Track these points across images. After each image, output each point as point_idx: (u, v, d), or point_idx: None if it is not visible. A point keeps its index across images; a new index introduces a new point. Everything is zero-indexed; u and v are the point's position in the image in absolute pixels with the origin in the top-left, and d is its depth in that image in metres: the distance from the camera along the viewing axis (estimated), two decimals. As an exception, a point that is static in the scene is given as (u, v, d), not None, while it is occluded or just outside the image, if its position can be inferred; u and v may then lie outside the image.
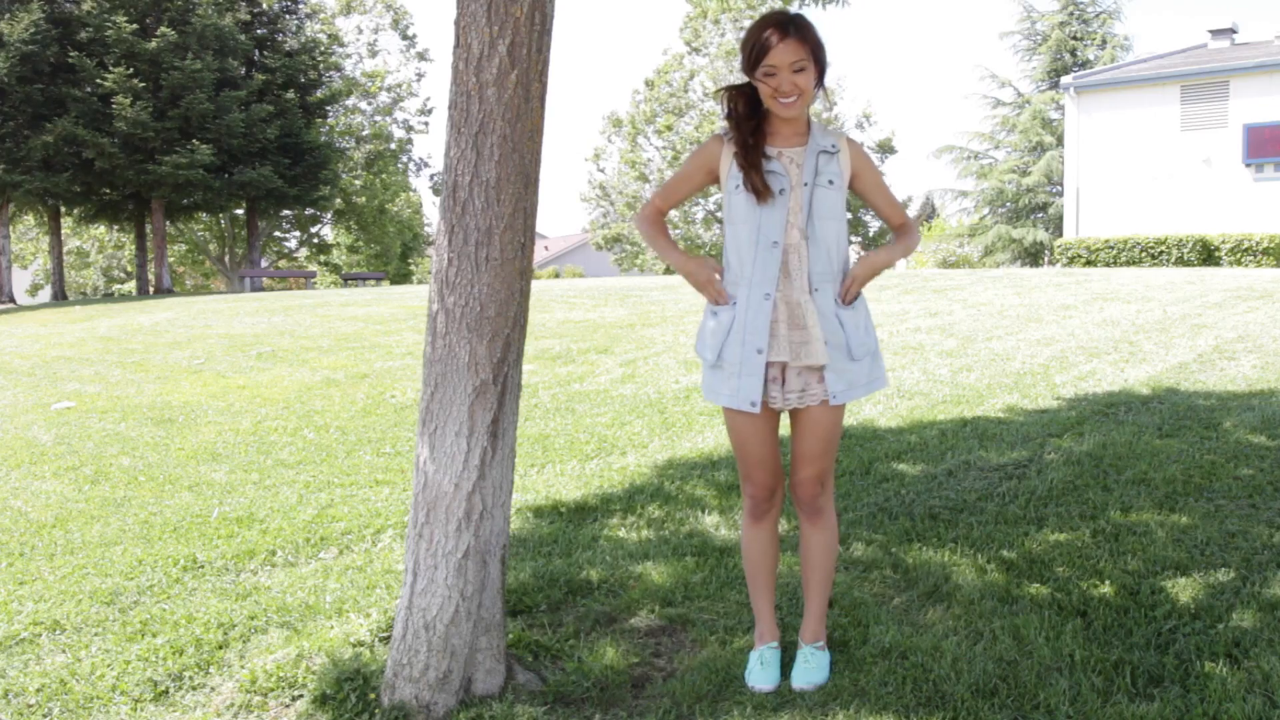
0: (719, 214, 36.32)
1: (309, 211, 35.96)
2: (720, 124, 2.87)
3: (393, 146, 39.41)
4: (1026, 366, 7.75)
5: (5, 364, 10.79)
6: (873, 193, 2.80)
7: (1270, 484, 4.35)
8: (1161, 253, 21.66)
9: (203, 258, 39.28)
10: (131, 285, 38.53)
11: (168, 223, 30.12)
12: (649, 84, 37.45)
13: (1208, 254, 21.32)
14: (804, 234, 2.66)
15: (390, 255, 40.88)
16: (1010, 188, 32.28)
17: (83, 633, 3.31)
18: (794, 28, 2.59)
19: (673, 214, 38.16)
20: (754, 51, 2.60)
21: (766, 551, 2.89)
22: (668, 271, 36.54)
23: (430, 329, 2.69)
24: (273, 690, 2.80)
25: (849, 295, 2.71)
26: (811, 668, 2.79)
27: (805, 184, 2.67)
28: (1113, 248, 22.25)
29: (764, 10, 35.60)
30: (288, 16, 30.50)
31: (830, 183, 2.69)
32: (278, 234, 38.61)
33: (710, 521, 4.23)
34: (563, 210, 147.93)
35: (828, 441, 2.75)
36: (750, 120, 2.70)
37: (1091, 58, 33.16)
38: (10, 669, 3.05)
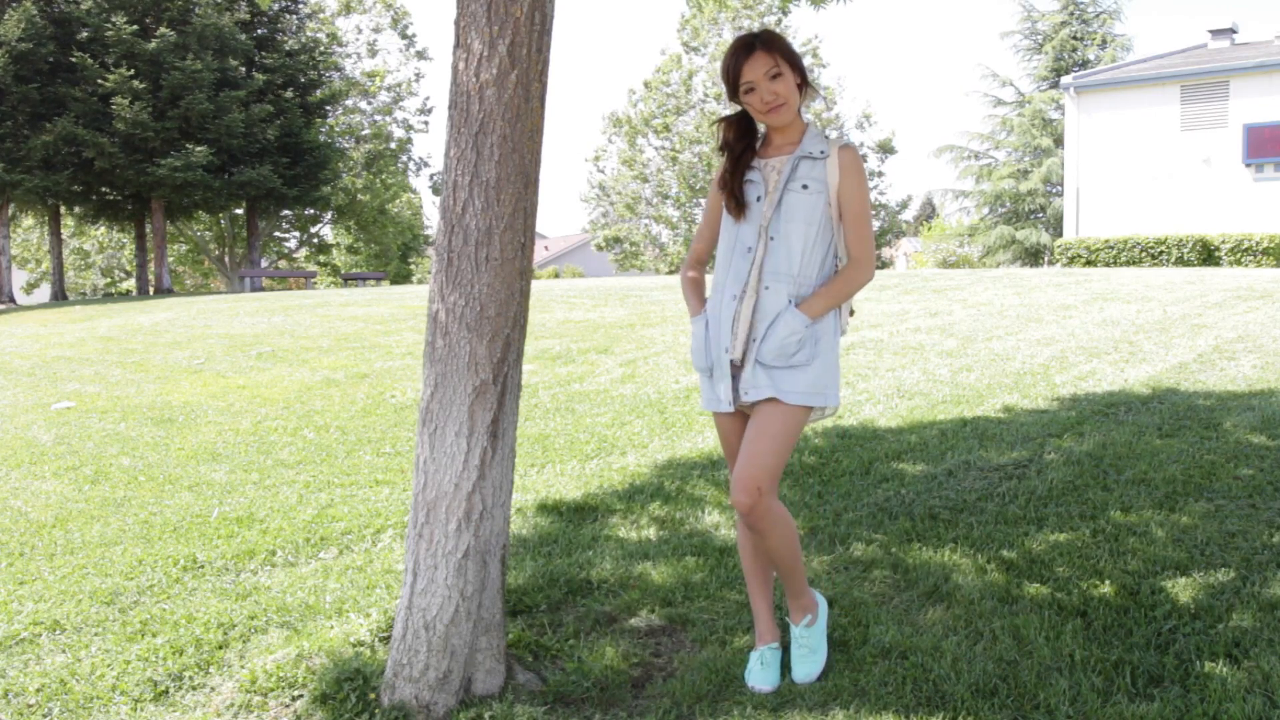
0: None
1: (309, 211, 35.95)
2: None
3: (392, 146, 39.37)
4: (1026, 366, 7.75)
5: (5, 364, 10.78)
6: (843, 205, 2.72)
7: (1270, 484, 4.35)
8: (1161, 253, 21.66)
9: (202, 258, 39.27)
10: (131, 285, 38.52)
11: (168, 223, 30.11)
12: (647, 85, 37.45)
13: (1208, 254, 21.32)
14: (765, 232, 2.71)
15: (390, 255, 40.86)
16: (1010, 188, 32.28)
17: (83, 633, 3.31)
18: (759, 41, 2.68)
19: (673, 213, 38.15)
20: (730, 74, 2.70)
21: (761, 551, 2.90)
22: (670, 271, 36.56)
23: (430, 329, 2.68)
24: (273, 690, 2.80)
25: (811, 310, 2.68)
26: (805, 652, 2.80)
27: (779, 187, 2.72)
28: (1113, 248, 22.24)
29: (760, 9, 35.69)
30: (287, 16, 30.48)
31: (805, 187, 2.71)
32: (277, 234, 38.58)
33: (710, 521, 4.23)
34: (563, 210, 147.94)
35: (759, 442, 2.64)
36: (740, 143, 2.80)
37: (1092, 58, 33.17)
38: (10, 669, 3.05)
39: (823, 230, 2.72)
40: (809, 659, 2.80)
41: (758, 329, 2.69)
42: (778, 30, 3.09)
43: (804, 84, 2.73)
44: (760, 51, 2.66)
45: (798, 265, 2.70)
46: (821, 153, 2.72)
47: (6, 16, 23.98)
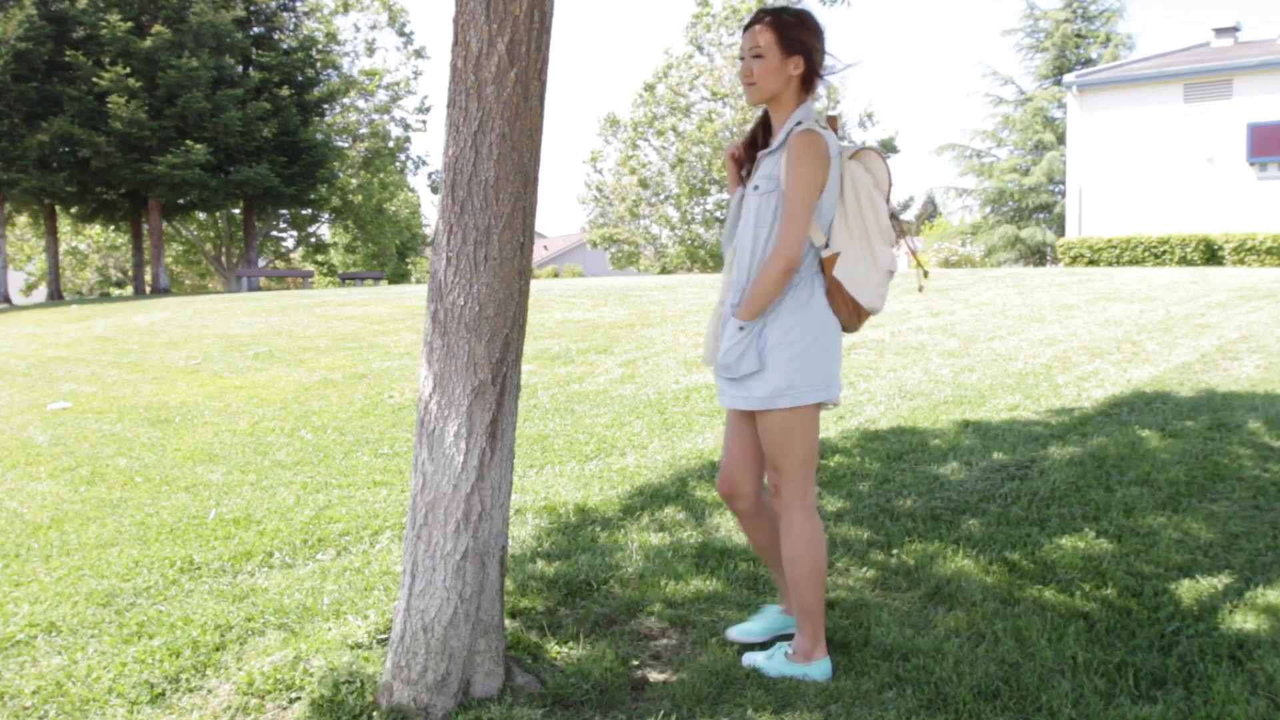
0: (719, 214, 36.22)
1: (306, 211, 35.91)
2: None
3: (390, 145, 39.33)
4: (1029, 367, 7.74)
5: (1, 364, 10.76)
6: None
7: (1274, 485, 4.33)
8: (1164, 252, 21.64)
9: (199, 257, 39.25)
10: (129, 286, 38.50)
11: (165, 222, 30.08)
12: (648, 87, 37.36)
13: (1211, 253, 21.30)
14: (730, 241, 2.74)
15: (388, 255, 40.83)
16: (1012, 186, 32.25)
17: (79, 635, 3.29)
18: (754, 18, 2.65)
19: (672, 214, 38.03)
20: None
21: (754, 540, 2.96)
22: (664, 271, 36.48)
23: (428, 329, 2.66)
24: (270, 693, 2.78)
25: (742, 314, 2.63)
26: (771, 660, 2.79)
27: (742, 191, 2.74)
28: (1115, 247, 22.22)
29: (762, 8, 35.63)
30: (285, 14, 30.44)
31: (756, 188, 2.64)
32: (275, 234, 38.55)
33: (710, 523, 4.21)
34: (562, 210, 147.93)
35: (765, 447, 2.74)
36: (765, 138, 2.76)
37: (1094, 56, 33.15)
38: (6, 671, 3.03)
39: (774, 232, 2.59)
40: (768, 663, 2.76)
41: (720, 341, 2.73)
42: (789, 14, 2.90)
43: (809, 74, 2.64)
44: (753, 27, 2.63)
45: (747, 274, 2.63)
46: (780, 144, 2.63)
47: (7, 15, 23.95)
